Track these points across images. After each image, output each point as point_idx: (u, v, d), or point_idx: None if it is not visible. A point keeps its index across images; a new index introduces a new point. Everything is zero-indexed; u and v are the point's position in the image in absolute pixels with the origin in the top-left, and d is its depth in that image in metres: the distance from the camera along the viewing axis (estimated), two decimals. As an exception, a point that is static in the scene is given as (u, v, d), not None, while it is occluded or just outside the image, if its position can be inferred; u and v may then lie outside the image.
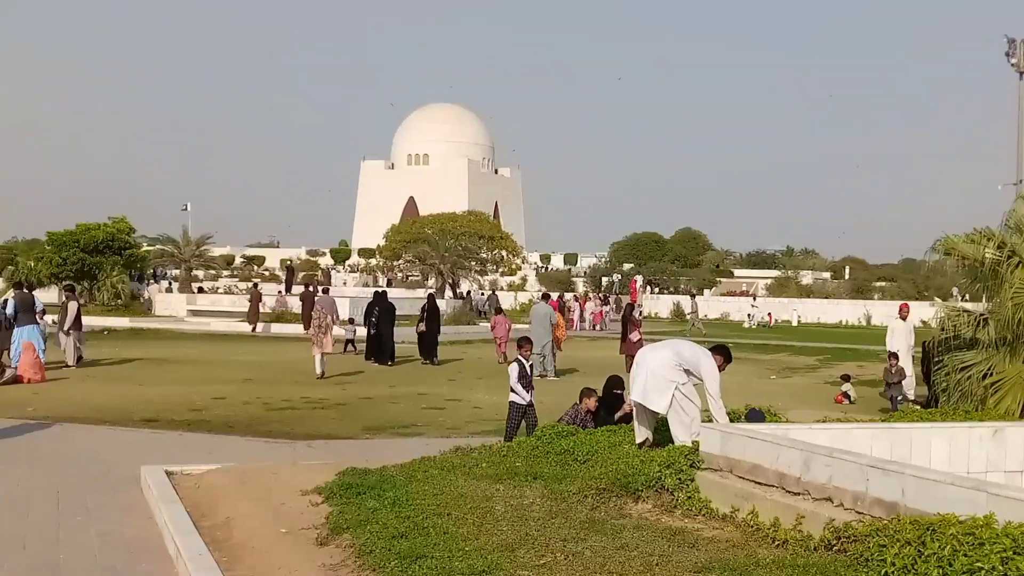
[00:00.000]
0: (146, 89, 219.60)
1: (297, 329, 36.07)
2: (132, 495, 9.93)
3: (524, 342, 14.55)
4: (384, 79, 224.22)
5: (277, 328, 38.68)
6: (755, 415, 11.79)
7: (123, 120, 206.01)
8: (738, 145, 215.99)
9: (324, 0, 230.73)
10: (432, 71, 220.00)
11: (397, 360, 26.65)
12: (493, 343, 29.02)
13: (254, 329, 38.40)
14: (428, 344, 27.02)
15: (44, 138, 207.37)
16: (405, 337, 28.52)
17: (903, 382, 20.43)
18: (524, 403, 13.01)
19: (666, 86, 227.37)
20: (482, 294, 61.09)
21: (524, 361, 13.36)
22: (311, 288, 39.50)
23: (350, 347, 29.78)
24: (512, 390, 13.13)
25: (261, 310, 39.88)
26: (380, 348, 26.61)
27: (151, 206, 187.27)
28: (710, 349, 10.43)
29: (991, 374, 14.48)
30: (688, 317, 46.81)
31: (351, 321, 31.38)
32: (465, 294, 57.48)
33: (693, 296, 55.46)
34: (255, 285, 48.69)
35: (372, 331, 27.09)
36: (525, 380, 13.08)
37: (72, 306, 23.80)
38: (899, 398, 18.19)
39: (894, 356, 18.72)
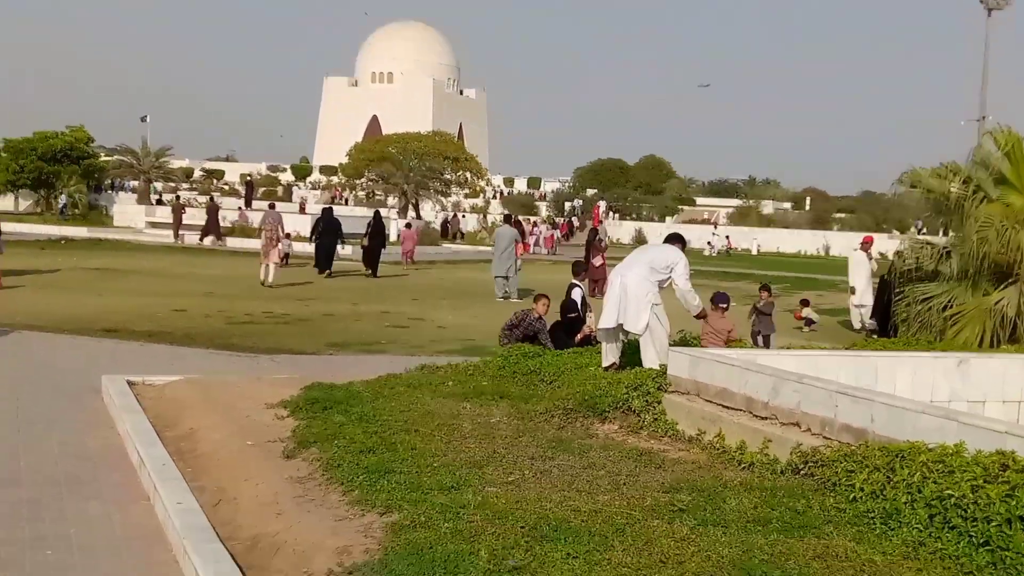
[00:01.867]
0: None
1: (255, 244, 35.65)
2: (93, 405, 9.83)
3: (579, 268, 14.40)
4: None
5: (236, 243, 38.27)
6: (722, 297, 12.69)
7: (83, 27, 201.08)
8: (704, 72, 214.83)
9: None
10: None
11: (342, 271, 28.17)
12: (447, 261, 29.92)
13: (201, 240, 38.82)
14: (371, 258, 28.98)
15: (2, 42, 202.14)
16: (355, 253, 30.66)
17: (860, 311, 20.52)
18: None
19: (634, 11, 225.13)
20: (463, 216, 60.68)
21: (582, 286, 13.40)
22: (215, 201, 44.15)
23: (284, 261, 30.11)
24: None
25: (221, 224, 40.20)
26: (322, 258, 28.29)
27: (110, 117, 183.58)
28: (666, 241, 10.53)
29: (951, 306, 14.68)
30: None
31: (288, 236, 31.28)
32: (451, 218, 57.23)
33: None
34: (212, 199, 48.62)
35: (317, 242, 28.81)
36: (584, 305, 13.08)
37: None
38: (771, 335, 15.70)
39: (765, 289, 16.32)
